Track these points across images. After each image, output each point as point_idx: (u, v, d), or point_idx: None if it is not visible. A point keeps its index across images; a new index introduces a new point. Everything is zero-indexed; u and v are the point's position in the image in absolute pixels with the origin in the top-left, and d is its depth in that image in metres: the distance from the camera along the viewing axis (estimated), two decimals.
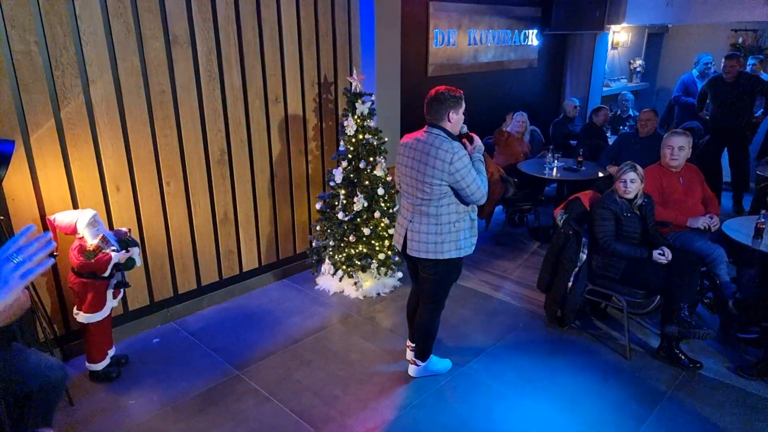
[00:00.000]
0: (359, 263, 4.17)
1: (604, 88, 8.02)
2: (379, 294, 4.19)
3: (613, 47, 9.15)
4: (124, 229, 3.10)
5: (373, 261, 4.16)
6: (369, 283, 4.22)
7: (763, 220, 3.24)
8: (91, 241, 2.85)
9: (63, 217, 2.91)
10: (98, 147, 3.20)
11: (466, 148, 2.74)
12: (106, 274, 2.89)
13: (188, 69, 3.48)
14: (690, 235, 3.47)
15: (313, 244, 4.34)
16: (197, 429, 2.72)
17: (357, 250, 4.14)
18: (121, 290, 3.15)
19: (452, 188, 2.67)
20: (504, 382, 3.09)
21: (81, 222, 2.86)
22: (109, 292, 3.02)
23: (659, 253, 3.15)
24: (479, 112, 5.72)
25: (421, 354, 3.12)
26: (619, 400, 2.91)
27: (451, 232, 2.73)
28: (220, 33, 3.58)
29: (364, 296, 4.16)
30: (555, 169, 5.21)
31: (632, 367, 3.21)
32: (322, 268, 4.31)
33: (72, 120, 3.05)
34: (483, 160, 2.79)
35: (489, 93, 6.10)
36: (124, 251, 2.95)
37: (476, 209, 2.87)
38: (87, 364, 3.07)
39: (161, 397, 2.97)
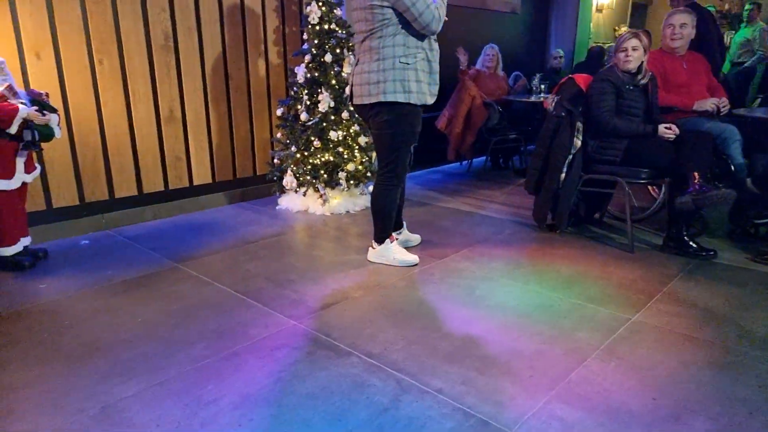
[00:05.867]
0: (326, 176, 3.71)
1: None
2: (348, 212, 3.73)
3: (598, 10, 8.96)
4: (41, 91, 2.61)
5: (342, 172, 3.70)
6: (337, 200, 3.75)
7: None
8: None
9: None
10: (14, 3, 2.71)
11: None
12: (13, 130, 2.38)
13: None
14: (697, 120, 3.08)
15: (275, 159, 3.86)
16: (118, 307, 2.22)
17: (323, 159, 3.67)
18: (37, 167, 2.65)
19: (396, 13, 2.31)
20: (489, 269, 2.64)
21: None
22: (20, 161, 2.51)
23: (666, 127, 2.75)
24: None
25: (376, 235, 2.70)
26: (623, 282, 2.47)
27: (395, 69, 2.35)
28: None
29: (332, 213, 3.69)
30: (542, 97, 4.84)
31: (637, 258, 2.79)
32: (284, 182, 3.81)
33: None
34: None
35: (469, 34, 5.71)
36: (36, 109, 2.46)
37: (434, 49, 2.46)
38: None
39: (80, 283, 2.46)
